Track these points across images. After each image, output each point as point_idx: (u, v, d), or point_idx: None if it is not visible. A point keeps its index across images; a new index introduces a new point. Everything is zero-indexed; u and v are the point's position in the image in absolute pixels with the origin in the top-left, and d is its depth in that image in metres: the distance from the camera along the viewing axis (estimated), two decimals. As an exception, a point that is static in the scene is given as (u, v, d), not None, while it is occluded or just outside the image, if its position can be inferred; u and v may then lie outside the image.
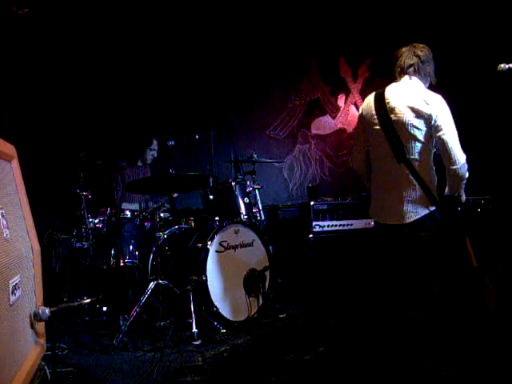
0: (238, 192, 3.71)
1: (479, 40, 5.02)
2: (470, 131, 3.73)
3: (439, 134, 2.42)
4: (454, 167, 2.43)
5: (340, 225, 4.39)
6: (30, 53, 4.23)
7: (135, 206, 4.20)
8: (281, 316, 3.53)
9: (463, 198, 2.57)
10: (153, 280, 3.26)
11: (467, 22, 5.14)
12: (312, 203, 4.37)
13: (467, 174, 2.48)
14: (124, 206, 4.13)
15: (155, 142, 4.39)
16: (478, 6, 5.06)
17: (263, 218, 3.88)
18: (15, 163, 1.92)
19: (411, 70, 2.56)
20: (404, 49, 2.61)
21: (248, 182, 3.88)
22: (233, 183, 3.70)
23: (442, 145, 2.43)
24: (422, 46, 2.61)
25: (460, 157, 2.43)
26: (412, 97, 2.47)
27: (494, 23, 4.94)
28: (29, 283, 1.83)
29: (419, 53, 2.57)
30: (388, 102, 2.52)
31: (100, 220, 3.57)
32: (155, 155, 4.46)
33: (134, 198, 4.28)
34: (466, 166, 2.46)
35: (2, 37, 3.82)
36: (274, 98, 5.65)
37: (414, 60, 2.56)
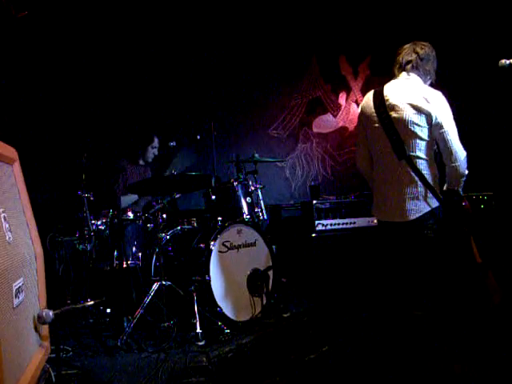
0: (240, 192, 3.70)
1: (480, 36, 5.01)
2: (471, 128, 3.73)
3: (440, 131, 2.42)
4: (455, 164, 2.43)
5: (343, 223, 4.38)
6: (29, 55, 4.23)
7: (134, 197, 4.20)
8: (285, 315, 3.53)
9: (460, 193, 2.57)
10: (156, 281, 3.26)
11: (468, 17, 5.13)
12: (314, 202, 4.36)
13: (467, 171, 2.48)
14: (122, 199, 4.11)
15: (156, 139, 4.38)
16: (479, 1, 5.05)
17: (266, 217, 3.87)
18: (17, 166, 1.92)
19: (409, 66, 2.56)
20: (406, 46, 2.61)
21: (250, 182, 3.87)
22: (235, 183, 3.70)
23: (443, 142, 2.43)
24: (423, 43, 2.60)
25: (460, 154, 2.43)
26: (411, 94, 2.46)
27: (494, 19, 4.93)
28: (32, 286, 1.83)
29: (419, 50, 2.56)
30: (387, 100, 2.51)
31: (102, 222, 3.56)
32: (156, 153, 4.43)
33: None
34: (466, 163, 2.46)
35: (2, 39, 3.83)
36: (275, 97, 5.64)
37: (413, 57, 2.55)
